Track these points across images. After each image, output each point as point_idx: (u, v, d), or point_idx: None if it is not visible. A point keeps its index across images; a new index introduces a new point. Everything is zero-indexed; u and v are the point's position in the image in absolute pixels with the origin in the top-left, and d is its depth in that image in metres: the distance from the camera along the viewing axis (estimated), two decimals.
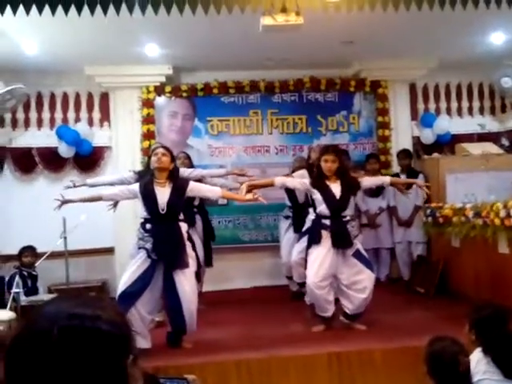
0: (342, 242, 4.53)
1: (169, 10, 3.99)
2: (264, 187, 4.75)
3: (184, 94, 6.97)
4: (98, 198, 4.56)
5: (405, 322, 4.76)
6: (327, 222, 4.58)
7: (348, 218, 4.62)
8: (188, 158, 5.94)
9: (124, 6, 3.97)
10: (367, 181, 4.80)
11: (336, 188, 4.58)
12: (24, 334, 0.91)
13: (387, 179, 4.92)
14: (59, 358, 0.86)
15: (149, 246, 4.17)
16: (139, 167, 6.67)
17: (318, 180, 4.62)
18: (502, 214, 4.48)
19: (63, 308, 0.92)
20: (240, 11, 4.12)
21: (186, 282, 4.19)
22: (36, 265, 5.90)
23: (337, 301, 4.72)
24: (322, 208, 4.58)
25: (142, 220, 4.28)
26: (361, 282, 4.55)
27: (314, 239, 4.59)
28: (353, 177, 4.74)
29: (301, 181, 4.78)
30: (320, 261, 4.52)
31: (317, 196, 4.60)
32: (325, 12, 4.06)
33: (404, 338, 4.24)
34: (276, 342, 4.39)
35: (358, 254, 4.61)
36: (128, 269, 4.22)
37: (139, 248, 4.21)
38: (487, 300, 4.56)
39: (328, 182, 4.59)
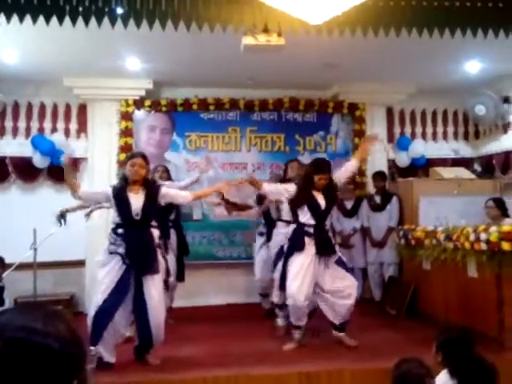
0: (326, 248, 4.63)
1: (151, 25, 4.02)
2: (254, 187, 4.91)
3: (163, 109, 6.97)
4: (84, 204, 4.57)
5: (374, 342, 4.77)
6: (311, 229, 4.65)
7: (327, 226, 4.75)
8: (167, 171, 5.97)
9: (106, 19, 3.99)
10: (340, 175, 4.84)
11: (321, 199, 4.69)
12: None
13: (353, 162, 4.92)
14: (1, 371, 0.83)
15: (121, 250, 4.14)
16: (115, 180, 6.63)
17: (306, 191, 4.68)
18: (472, 238, 4.56)
19: (14, 320, 0.89)
20: (222, 30, 4.16)
21: (153, 289, 4.17)
22: (3, 275, 5.78)
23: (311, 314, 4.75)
24: (307, 218, 4.66)
25: (114, 225, 4.26)
26: (345, 288, 4.62)
27: (297, 247, 4.62)
28: (333, 185, 4.78)
29: (288, 186, 4.82)
30: (303, 272, 4.54)
31: (302, 207, 4.66)
32: (306, 34, 4.11)
33: (373, 358, 4.25)
34: (246, 359, 4.36)
35: (340, 262, 4.70)
36: (101, 278, 4.15)
37: (111, 253, 4.17)
38: (456, 323, 4.63)
39: (314, 193, 4.69)
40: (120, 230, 4.21)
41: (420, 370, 2.38)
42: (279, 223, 5.46)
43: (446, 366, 2.70)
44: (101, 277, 4.16)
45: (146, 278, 4.15)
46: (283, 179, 5.75)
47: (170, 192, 4.45)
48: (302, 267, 4.56)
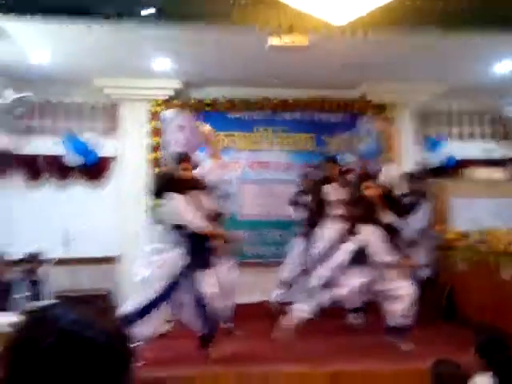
0: None
1: (181, 27, 4.06)
2: None
3: (192, 109, 7.03)
4: None
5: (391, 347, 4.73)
6: None
7: None
8: None
9: (137, 21, 4.05)
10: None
11: None
12: (24, 332, 0.91)
13: None
14: (52, 362, 0.86)
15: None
16: (144, 179, 6.73)
17: None
18: (506, 240, 4.47)
19: (67, 313, 0.93)
20: (248, 30, 4.19)
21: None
22: (39, 272, 5.94)
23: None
24: None
25: None
26: None
27: None
28: None
29: None
30: None
31: None
32: (330, 35, 4.09)
33: (409, 360, 4.24)
34: (276, 357, 4.44)
35: None
36: None
37: None
38: (490, 325, 4.56)
39: None
40: None
41: (456, 371, 2.37)
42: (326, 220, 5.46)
43: (485, 368, 2.70)
44: None
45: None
46: (324, 180, 5.73)
47: None
48: None
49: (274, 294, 6.17)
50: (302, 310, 5.24)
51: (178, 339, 4.76)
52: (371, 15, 3.50)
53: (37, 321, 0.92)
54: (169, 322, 4.98)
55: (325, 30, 3.96)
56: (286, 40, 4.17)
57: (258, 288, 6.80)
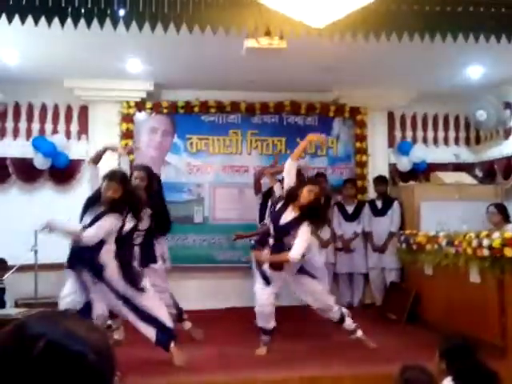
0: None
1: (153, 28, 4.01)
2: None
3: (164, 111, 6.96)
4: None
5: (375, 348, 4.74)
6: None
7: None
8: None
9: (108, 21, 3.98)
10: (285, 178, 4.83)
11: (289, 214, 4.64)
12: (8, 343, 0.86)
13: (288, 160, 4.89)
14: (37, 375, 0.82)
15: None
16: None
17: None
18: (474, 243, 4.54)
19: (58, 323, 0.89)
20: (224, 32, 4.15)
21: None
22: (4, 278, 5.76)
23: None
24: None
25: None
26: None
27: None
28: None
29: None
30: None
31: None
32: (308, 38, 4.10)
33: (374, 364, 4.23)
34: (247, 363, 4.36)
35: None
36: None
37: None
38: (457, 329, 4.61)
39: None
40: None
41: (423, 376, 2.36)
42: None
43: (449, 374, 2.69)
44: None
45: None
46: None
47: None
48: None
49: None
50: None
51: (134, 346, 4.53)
52: (348, 19, 3.52)
53: (23, 332, 0.87)
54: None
55: (302, 32, 3.96)
56: (262, 42, 4.15)
57: (230, 293, 6.77)
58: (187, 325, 5.19)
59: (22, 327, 0.88)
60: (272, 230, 4.71)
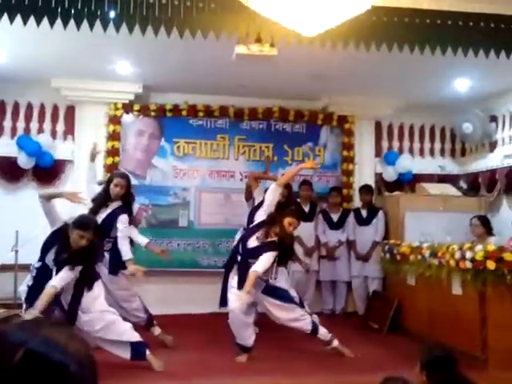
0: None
1: (144, 31, 3.98)
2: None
3: (152, 114, 6.92)
4: None
5: (356, 357, 4.75)
6: None
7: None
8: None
9: (98, 23, 3.95)
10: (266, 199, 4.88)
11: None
12: None
13: (273, 185, 4.91)
14: (14, 381, 0.80)
15: None
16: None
17: None
18: (457, 255, 4.57)
19: (38, 332, 0.86)
20: (215, 37, 4.14)
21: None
22: None
23: None
24: None
25: None
26: None
27: None
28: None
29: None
30: None
31: None
32: (299, 45, 4.11)
33: (355, 373, 4.23)
34: (229, 370, 4.33)
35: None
36: None
37: None
38: (439, 340, 4.63)
39: None
40: None
41: None
42: None
43: None
44: None
45: None
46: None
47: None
48: None
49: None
50: None
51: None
52: (340, 28, 3.53)
53: (2, 340, 0.85)
54: None
55: (293, 40, 3.96)
56: (253, 49, 4.15)
57: (214, 298, 6.72)
58: (157, 330, 5.12)
59: (2, 335, 0.85)
60: (240, 249, 4.80)
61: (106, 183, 5.18)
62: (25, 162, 6.55)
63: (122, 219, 4.89)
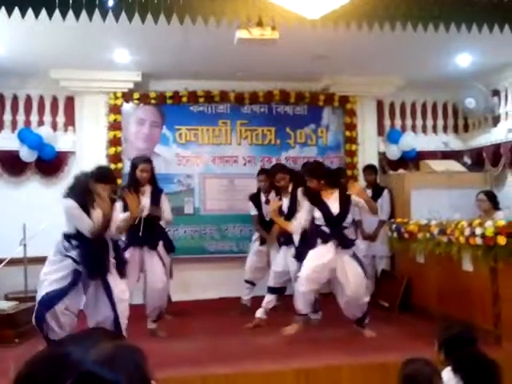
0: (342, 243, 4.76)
1: (143, 19, 3.92)
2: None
3: (152, 102, 6.87)
4: None
5: (371, 336, 4.78)
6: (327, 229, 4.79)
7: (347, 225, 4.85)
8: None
9: (96, 12, 3.89)
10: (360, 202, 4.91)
11: (334, 202, 4.82)
12: (40, 371, 0.85)
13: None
14: None
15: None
16: None
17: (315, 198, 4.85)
18: (467, 232, 4.57)
19: (87, 351, 0.87)
20: (216, 23, 4.09)
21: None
22: None
23: None
24: (321, 222, 4.81)
25: None
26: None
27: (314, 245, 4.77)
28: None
29: (304, 214, 4.90)
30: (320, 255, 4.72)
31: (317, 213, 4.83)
32: (300, 28, 4.06)
33: (371, 353, 4.25)
34: (243, 355, 4.35)
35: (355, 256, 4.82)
36: None
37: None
38: (450, 317, 4.66)
39: (325, 198, 4.84)
40: None
41: (428, 369, 2.37)
42: None
43: (449, 364, 2.70)
44: None
45: None
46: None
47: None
48: (319, 252, 4.73)
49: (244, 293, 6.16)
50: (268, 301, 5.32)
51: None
52: (342, 8, 3.48)
53: (54, 359, 0.86)
54: None
55: (295, 22, 3.91)
56: (254, 33, 4.10)
57: (220, 284, 6.76)
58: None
59: (57, 352, 0.86)
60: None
61: (130, 170, 5.15)
62: (27, 155, 6.52)
63: (165, 199, 5.20)
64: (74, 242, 4.15)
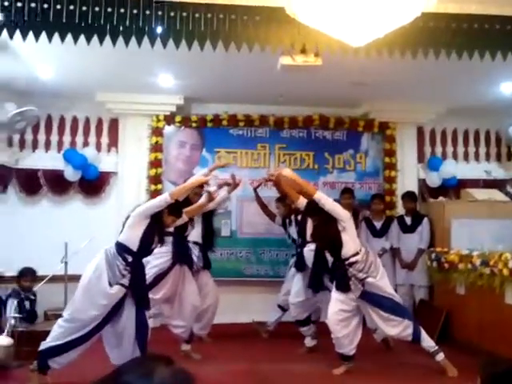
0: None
1: (190, 46, 4.03)
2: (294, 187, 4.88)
3: (193, 125, 7.00)
4: None
5: (408, 367, 4.68)
6: None
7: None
8: None
9: (146, 39, 4.01)
10: None
11: None
12: None
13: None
14: None
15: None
16: (144, 195, 6.67)
17: None
18: (511, 264, 4.45)
19: (151, 373, 0.92)
20: (260, 50, 4.16)
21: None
22: (35, 289, 5.83)
23: None
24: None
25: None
26: None
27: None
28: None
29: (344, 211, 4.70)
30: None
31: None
32: (344, 55, 4.09)
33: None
34: (276, 381, 4.31)
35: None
36: None
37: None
38: (492, 352, 4.51)
39: None
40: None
41: None
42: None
43: None
44: None
45: None
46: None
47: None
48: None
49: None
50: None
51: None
52: (385, 36, 3.50)
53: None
54: None
55: (338, 49, 3.95)
56: (298, 60, 4.15)
57: (253, 307, 6.72)
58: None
59: (115, 378, 0.88)
60: None
61: None
62: (71, 174, 6.71)
63: None
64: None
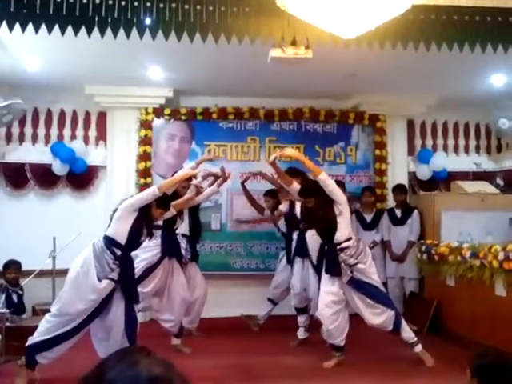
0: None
1: (179, 37, 3.98)
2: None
3: (183, 117, 6.94)
4: None
5: (399, 360, 4.68)
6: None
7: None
8: None
9: (134, 30, 3.95)
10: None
11: None
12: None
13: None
14: None
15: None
16: (133, 188, 6.62)
17: None
18: (501, 256, 4.47)
19: (137, 364, 0.93)
20: (250, 42, 4.12)
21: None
22: (22, 284, 5.77)
23: None
24: None
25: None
26: None
27: None
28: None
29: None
30: None
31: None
32: (334, 47, 4.06)
33: (401, 376, 4.17)
34: (264, 374, 4.33)
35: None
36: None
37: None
38: (481, 342, 4.54)
39: None
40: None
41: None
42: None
43: None
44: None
45: None
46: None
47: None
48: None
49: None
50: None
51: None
52: (376, 28, 3.48)
53: (101, 376, 0.93)
54: None
55: (329, 41, 3.92)
56: (288, 52, 4.12)
57: (243, 301, 6.71)
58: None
59: (101, 371, 0.91)
60: None
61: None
62: (59, 168, 6.64)
63: None
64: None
